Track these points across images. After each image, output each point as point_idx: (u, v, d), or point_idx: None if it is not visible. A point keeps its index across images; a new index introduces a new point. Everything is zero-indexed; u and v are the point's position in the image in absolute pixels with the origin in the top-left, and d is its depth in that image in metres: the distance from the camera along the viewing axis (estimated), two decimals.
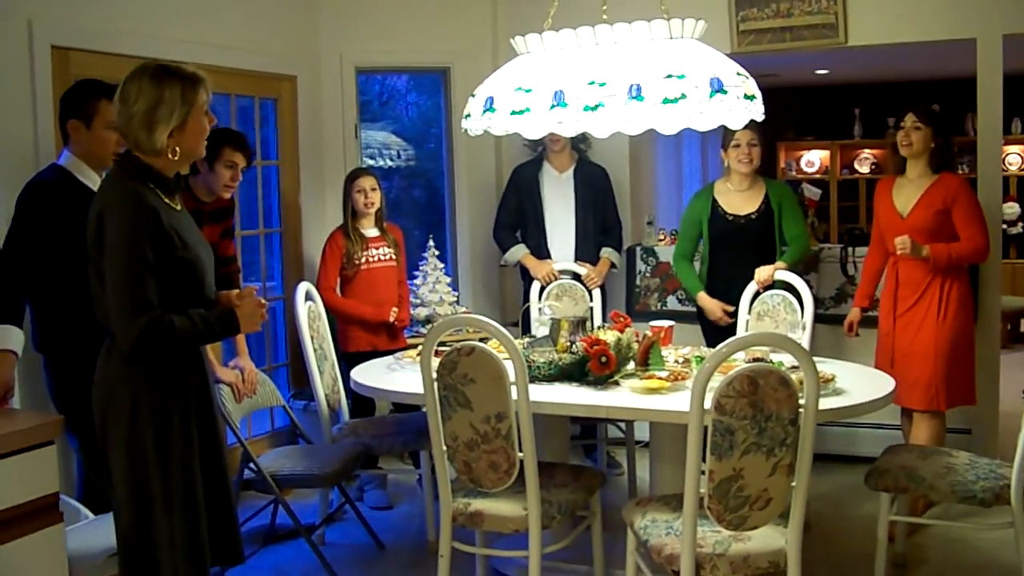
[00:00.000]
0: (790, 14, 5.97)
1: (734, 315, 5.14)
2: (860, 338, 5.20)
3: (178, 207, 3.05)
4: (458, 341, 3.79)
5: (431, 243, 6.10)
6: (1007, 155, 11.05)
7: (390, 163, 8.69)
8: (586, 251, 5.93)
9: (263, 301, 3.19)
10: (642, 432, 5.10)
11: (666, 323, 4.67)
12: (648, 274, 6.44)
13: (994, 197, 5.70)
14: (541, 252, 5.92)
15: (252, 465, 4.28)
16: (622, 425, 5.51)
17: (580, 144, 6.19)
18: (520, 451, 3.56)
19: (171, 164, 2.99)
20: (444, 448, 3.67)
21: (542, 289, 5.64)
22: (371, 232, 5.54)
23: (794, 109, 11.46)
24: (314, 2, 6.33)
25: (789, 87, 10.97)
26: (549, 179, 5.98)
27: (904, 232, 4.78)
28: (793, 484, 3.16)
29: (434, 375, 3.60)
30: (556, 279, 5.75)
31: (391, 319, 5.45)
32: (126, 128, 2.92)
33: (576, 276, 5.69)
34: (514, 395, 3.51)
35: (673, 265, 5.61)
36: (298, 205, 6.18)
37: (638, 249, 6.49)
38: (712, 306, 5.30)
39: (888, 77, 11.06)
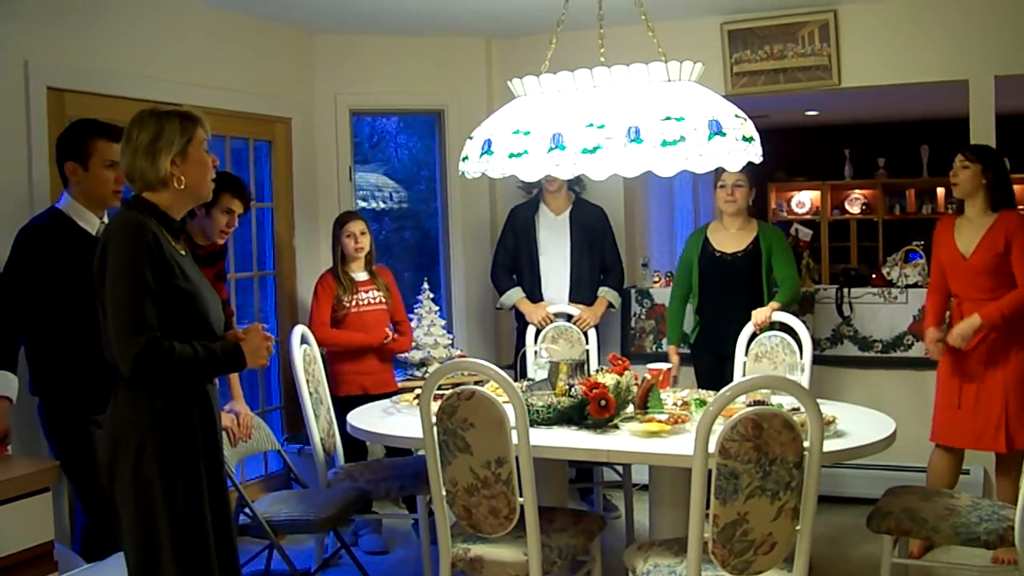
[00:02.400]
0: (783, 56, 6.00)
1: (728, 359, 5.11)
2: (856, 378, 5.17)
3: (182, 252, 3.05)
4: (454, 384, 3.77)
5: (426, 285, 6.07)
6: None
7: (382, 204, 8.70)
8: (581, 294, 5.91)
9: (269, 336, 3.17)
10: (639, 475, 5.08)
11: (664, 366, 4.66)
12: (643, 316, 6.43)
13: None
14: (535, 294, 5.91)
15: (247, 510, 4.23)
16: (619, 468, 5.47)
17: (575, 186, 6.18)
18: (520, 496, 3.52)
19: (177, 200, 3.02)
20: (444, 493, 3.63)
21: (538, 332, 5.62)
22: (360, 276, 5.54)
23: (785, 150, 11.48)
24: (308, 44, 6.35)
25: (780, 128, 11.03)
26: (546, 221, 5.98)
27: (967, 272, 4.77)
28: (798, 528, 3.13)
29: (433, 420, 3.57)
30: (551, 322, 5.73)
31: (386, 340, 5.47)
32: (131, 166, 2.97)
33: (571, 318, 5.66)
34: (514, 439, 3.48)
35: (669, 302, 5.64)
36: (292, 247, 6.17)
37: (633, 291, 6.48)
38: (674, 360, 5.41)
39: (879, 118, 11.13)
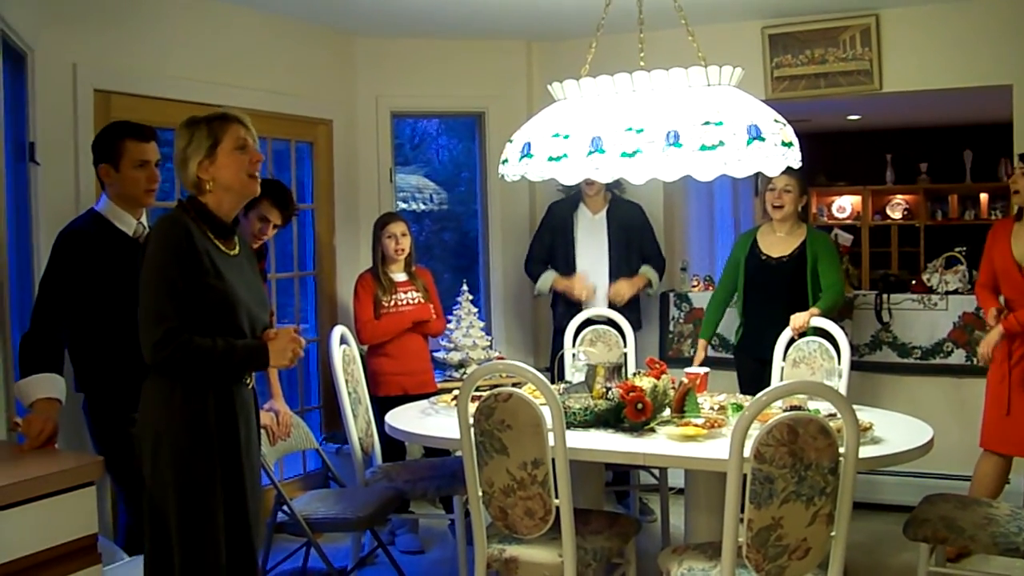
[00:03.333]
0: (824, 60, 5.99)
1: (767, 363, 5.10)
2: (895, 385, 5.14)
3: (233, 251, 3.14)
4: (492, 386, 3.80)
5: (464, 287, 6.11)
6: None
7: (422, 206, 8.75)
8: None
9: (300, 339, 3.23)
10: (676, 479, 5.08)
11: (701, 370, 4.67)
12: (681, 320, 6.43)
13: None
14: (571, 301, 5.93)
15: (285, 507, 4.27)
16: (655, 472, 5.47)
17: (614, 189, 6.20)
18: (556, 498, 3.54)
19: (222, 201, 3.10)
20: (480, 494, 3.66)
21: (576, 334, 5.62)
22: (399, 277, 5.58)
23: (826, 154, 11.44)
24: (350, 47, 6.41)
25: (821, 132, 10.97)
26: (584, 220, 6.00)
27: (1020, 282, 4.73)
28: (832, 533, 3.14)
29: (471, 420, 3.60)
30: (594, 292, 5.83)
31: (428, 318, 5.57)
32: (177, 175, 3.14)
33: (609, 321, 5.66)
34: (551, 441, 3.50)
35: (708, 302, 5.66)
36: (332, 248, 6.23)
37: (671, 295, 6.48)
38: (700, 355, 5.46)
39: (920, 123, 11.05)
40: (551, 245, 6.05)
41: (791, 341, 5.03)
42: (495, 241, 6.80)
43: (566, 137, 4.12)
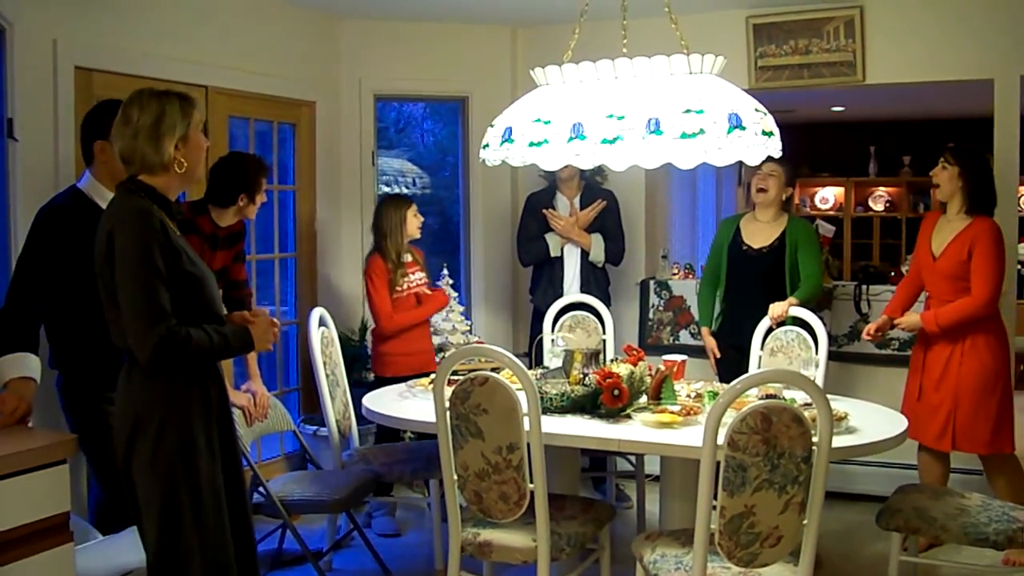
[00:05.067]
0: (808, 51, 5.99)
1: (745, 351, 5.12)
2: (873, 375, 5.17)
3: (178, 232, 3.06)
4: (470, 371, 3.80)
5: (445, 271, 6.11)
6: (1022, 196, 11.03)
7: (405, 190, 8.73)
8: (596, 276, 5.99)
9: (276, 321, 3.23)
10: (652, 466, 5.10)
11: (679, 357, 4.67)
12: (661, 307, 6.44)
13: (1010, 238, 5.69)
14: (554, 280, 5.95)
15: (261, 489, 4.28)
16: (632, 458, 5.49)
17: (596, 176, 6.22)
18: (531, 482, 3.55)
19: (174, 183, 3.05)
20: (455, 477, 3.66)
21: (555, 320, 5.63)
22: (407, 257, 5.59)
23: (810, 145, 11.47)
24: (334, 29, 6.39)
25: (805, 124, 10.99)
26: (562, 207, 6.01)
27: (934, 273, 4.81)
28: (805, 522, 3.15)
29: (447, 404, 3.60)
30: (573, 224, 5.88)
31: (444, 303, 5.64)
32: (131, 147, 2.96)
33: (586, 307, 5.66)
34: (526, 426, 3.51)
35: (699, 288, 5.66)
36: (314, 230, 6.21)
37: (651, 283, 6.49)
38: (710, 344, 5.43)
39: (904, 115, 11.08)
40: (536, 234, 6.05)
41: (769, 330, 5.05)
42: (476, 226, 6.80)
43: (547, 123, 4.11)
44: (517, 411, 3.49)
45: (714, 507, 3.18)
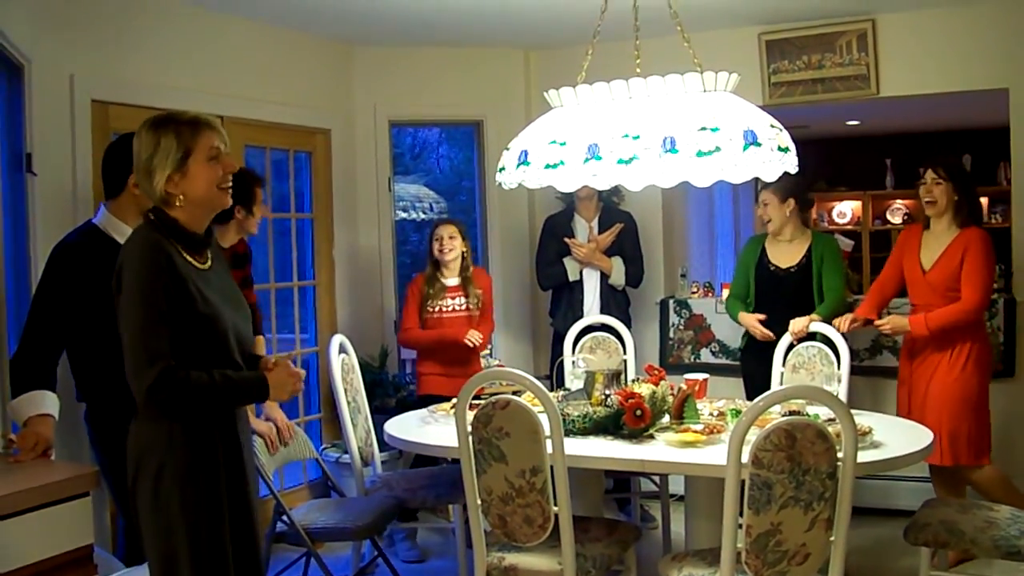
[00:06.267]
0: (821, 66, 5.99)
1: (773, 345, 5.10)
2: (896, 389, 5.13)
3: (205, 264, 2.95)
4: (492, 394, 3.79)
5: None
6: None
7: (422, 215, 8.76)
8: (616, 298, 5.99)
9: (299, 372, 3.07)
10: (676, 486, 5.07)
11: (700, 376, 4.66)
12: (681, 326, 6.42)
13: None
14: (573, 302, 5.95)
15: (285, 517, 4.27)
16: (656, 479, 5.46)
17: (613, 196, 6.22)
18: (555, 505, 3.53)
19: (193, 215, 2.90)
20: (479, 502, 3.65)
21: (576, 342, 5.62)
22: (451, 281, 5.67)
23: (825, 160, 11.44)
24: (348, 56, 6.42)
25: (820, 138, 10.97)
26: (580, 229, 6.03)
27: (924, 286, 4.83)
28: (832, 538, 3.12)
29: (469, 428, 3.59)
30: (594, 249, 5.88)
31: (469, 342, 5.56)
32: (140, 183, 2.91)
33: (606, 328, 5.65)
34: (549, 449, 3.49)
35: (726, 303, 5.65)
36: (332, 257, 6.22)
37: (671, 301, 6.47)
38: (750, 321, 5.36)
39: (920, 127, 11.03)
40: (556, 257, 6.05)
41: (791, 346, 5.02)
42: (494, 250, 6.80)
43: (563, 144, 4.12)
44: (539, 434, 3.48)
45: (740, 526, 3.16)
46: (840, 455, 3.06)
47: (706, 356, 6.31)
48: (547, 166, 4.14)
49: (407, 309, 5.62)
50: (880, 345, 5.84)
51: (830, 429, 3.10)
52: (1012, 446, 5.44)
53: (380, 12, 5.70)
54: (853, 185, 11.96)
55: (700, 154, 3.82)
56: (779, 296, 5.30)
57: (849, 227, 11.86)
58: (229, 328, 2.91)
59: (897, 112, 9.30)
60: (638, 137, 3.93)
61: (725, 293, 6.36)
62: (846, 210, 12.08)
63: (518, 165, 4.25)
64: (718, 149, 3.80)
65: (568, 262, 5.96)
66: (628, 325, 5.74)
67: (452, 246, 5.60)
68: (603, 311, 5.85)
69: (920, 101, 6.30)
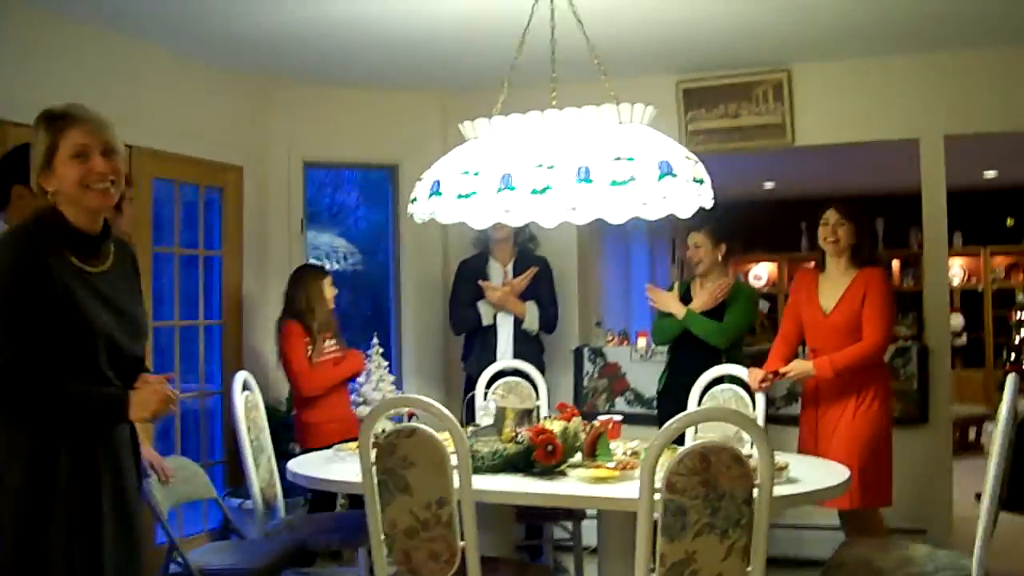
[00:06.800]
0: (738, 115, 6.03)
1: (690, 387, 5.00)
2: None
3: (97, 267, 2.76)
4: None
5: (376, 340, 5.98)
6: (949, 268, 11.21)
7: (336, 265, 8.62)
8: (528, 344, 5.90)
9: (170, 393, 2.83)
10: (590, 537, 4.93)
11: (616, 417, 4.55)
12: (596, 375, 6.34)
13: (941, 304, 5.76)
14: (487, 346, 5.86)
15: (180, 559, 4.05)
16: (569, 528, 5.32)
17: (528, 243, 6.16)
18: (462, 540, 3.39)
19: (77, 215, 2.71)
20: (382, 537, 3.48)
21: (488, 386, 5.49)
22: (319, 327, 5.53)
23: (742, 223, 11.51)
24: (264, 93, 6.32)
25: (738, 201, 11.07)
26: (495, 272, 5.97)
27: (826, 329, 4.76)
28: (749, 568, 3.01)
29: (372, 459, 3.44)
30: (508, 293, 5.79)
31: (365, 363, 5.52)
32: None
33: (519, 372, 5.54)
34: (456, 480, 3.35)
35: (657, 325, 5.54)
36: (240, 298, 6.06)
37: (585, 350, 6.40)
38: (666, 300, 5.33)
39: (833, 191, 11.15)
40: (470, 301, 5.96)
41: (706, 388, 4.94)
42: (407, 294, 6.72)
43: (476, 174, 4.04)
44: (446, 463, 3.34)
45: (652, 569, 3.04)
46: (757, 481, 2.97)
47: (621, 405, 6.24)
48: (459, 196, 4.05)
49: (298, 355, 5.37)
50: (795, 394, 5.81)
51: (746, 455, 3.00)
52: (925, 493, 5.43)
53: (297, 51, 5.66)
54: (769, 248, 12.10)
55: (615, 183, 3.76)
56: (696, 341, 5.24)
57: (765, 289, 11.97)
58: (100, 336, 2.69)
59: (813, 174, 9.45)
60: (552, 167, 3.87)
61: (641, 342, 6.34)
62: (762, 273, 12.21)
63: (430, 195, 4.16)
64: (633, 179, 3.75)
65: (482, 306, 5.87)
66: (542, 371, 5.64)
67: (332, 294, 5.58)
68: (516, 356, 5.74)
69: (835, 163, 6.40)
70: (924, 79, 5.72)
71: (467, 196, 4.04)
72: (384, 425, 3.64)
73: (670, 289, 5.54)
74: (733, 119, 6.04)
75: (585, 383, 6.37)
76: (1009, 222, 11.96)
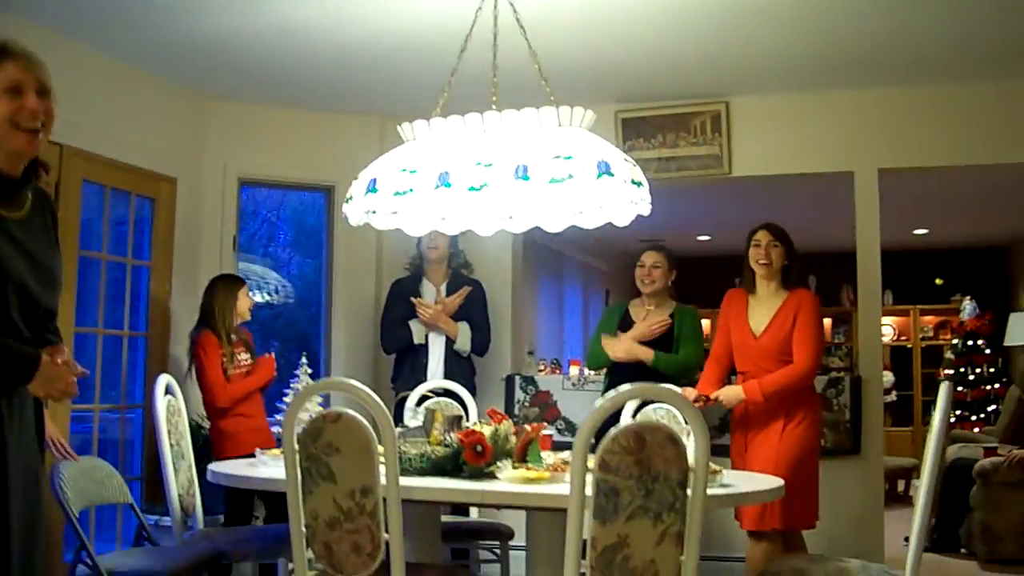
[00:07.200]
0: (676, 145, 6.05)
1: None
2: None
3: (13, 213, 2.63)
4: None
5: (304, 360, 5.84)
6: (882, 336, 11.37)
7: (266, 297, 8.49)
8: (460, 365, 5.83)
9: (73, 387, 2.69)
10: (518, 568, 4.81)
11: (546, 428, 4.47)
12: (527, 403, 6.27)
13: (874, 327, 5.80)
14: (417, 366, 5.76)
15: (87, 557, 3.86)
16: (496, 551, 5.20)
17: (463, 269, 6.10)
18: (386, 532, 3.26)
19: (2, 156, 2.60)
20: (303, 528, 3.35)
21: (418, 405, 5.38)
22: (234, 338, 5.43)
23: (677, 277, 11.57)
24: (202, 107, 6.25)
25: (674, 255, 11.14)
26: (428, 293, 5.91)
27: (755, 351, 4.74)
28: (683, 557, 2.93)
29: (295, 445, 3.32)
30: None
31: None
32: None
33: (449, 392, 5.44)
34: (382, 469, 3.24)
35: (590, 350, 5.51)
36: (168, 310, 5.91)
37: (517, 378, 6.33)
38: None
39: None
40: (401, 320, 5.88)
41: (640, 407, 4.88)
42: (338, 314, 6.63)
43: (413, 172, 4.01)
44: (372, 449, 3.23)
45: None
46: (691, 463, 2.90)
47: (551, 440, 6.14)
48: (396, 193, 4.02)
49: (213, 365, 5.23)
50: (727, 423, 5.77)
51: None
52: (858, 523, 5.40)
53: (237, 67, 5.65)
54: (703, 304, 12.10)
55: (553, 180, 3.73)
56: (640, 364, 5.19)
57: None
58: (11, 281, 2.56)
59: (748, 226, 9.50)
60: (490, 164, 3.84)
61: (573, 371, 6.29)
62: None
63: (366, 192, 4.10)
64: (571, 176, 3.73)
65: (414, 324, 5.79)
66: (473, 394, 5.56)
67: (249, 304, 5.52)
68: (447, 377, 5.64)
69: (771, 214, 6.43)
70: (860, 113, 5.82)
71: (403, 193, 4.01)
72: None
73: (605, 320, 5.52)
74: (671, 149, 6.07)
75: (516, 411, 6.29)
76: (938, 282, 12.16)
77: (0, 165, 2.61)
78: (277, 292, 8.83)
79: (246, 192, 6.84)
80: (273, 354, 5.48)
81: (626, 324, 5.36)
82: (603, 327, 5.46)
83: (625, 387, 3.00)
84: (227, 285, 5.43)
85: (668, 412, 4.81)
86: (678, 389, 4.70)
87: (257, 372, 5.40)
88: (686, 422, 3.15)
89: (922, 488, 3.48)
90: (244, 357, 5.41)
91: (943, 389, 3.66)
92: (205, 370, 5.23)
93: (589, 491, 2.90)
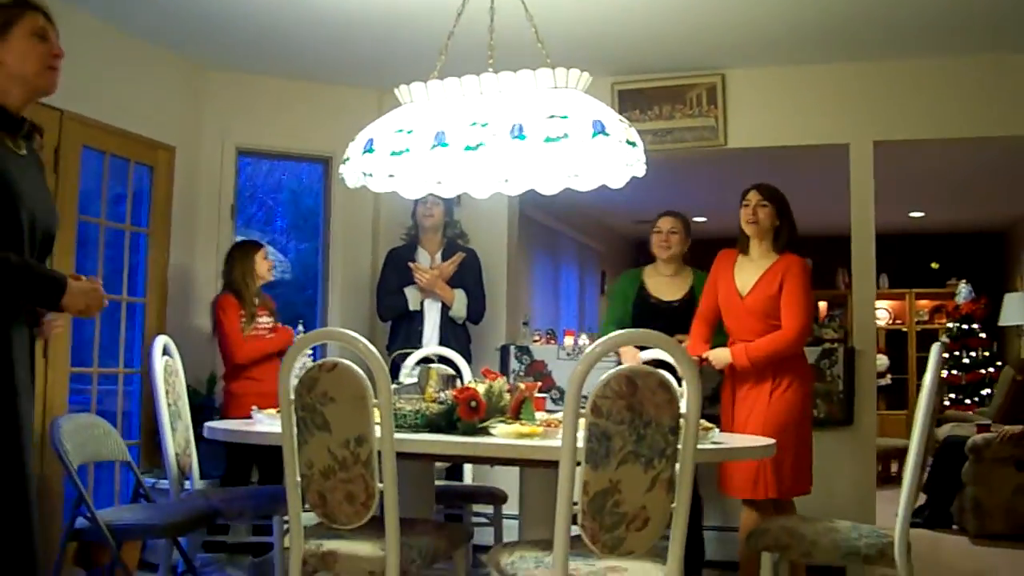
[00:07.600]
0: (672, 117, 6.08)
1: None
2: None
3: (21, 151, 2.78)
4: None
5: (301, 327, 5.87)
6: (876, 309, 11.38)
7: None
8: (455, 332, 5.87)
9: (104, 297, 2.87)
10: (511, 535, 4.84)
11: (540, 395, 4.49)
12: (522, 372, 6.29)
13: (868, 302, 5.82)
14: (412, 334, 5.80)
15: (86, 511, 3.90)
16: (490, 513, 5.22)
17: (459, 239, 6.12)
18: (380, 482, 3.30)
19: (8, 91, 2.74)
20: (298, 479, 3.38)
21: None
22: (256, 301, 5.59)
23: None
24: (200, 76, 6.28)
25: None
26: (423, 260, 5.94)
27: (741, 311, 4.69)
28: (673, 505, 2.96)
29: (291, 395, 3.35)
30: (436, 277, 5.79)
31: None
32: None
33: (444, 360, 5.46)
34: (377, 417, 3.28)
35: (602, 331, 5.46)
36: (165, 278, 5.94)
37: (512, 348, 6.36)
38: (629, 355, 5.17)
39: None
40: (396, 289, 5.91)
41: None
42: (335, 284, 6.68)
43: (409, 132, 4.04)
44: (367, 398, 3.26)
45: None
46: (683, 409, 2.93)
47: (547, 404, 6.17)
48: (393, 153, 4.05)
49: (232, 325, 5.44)
50: (718, 395, 5.79)
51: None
52: (850, 494, 5.44)
53: (236, 36, 5.67)
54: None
55: (548, 140, 3.76)
56: (655, 327, 5.17)
57: None
58: (24, 215, 2.67)
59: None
60: (486, 124, 3.87)
61: (568, 340, 6.32)
62: None
63: (363, 152, 4.14)
64: (566, 136, 3.76)
65: (409, 291, 5.82)
66: (468, 362, 5.59)
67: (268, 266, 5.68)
68: (443, 344, 5.68)
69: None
70: (855, 86, 5.84)
71: (400, 153, 4.03)
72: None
73: (620, 289, 5.54)
74: (667, 120, 6.09)
75: (511, 380, 6.31)
76: (934, 266, 12.20)
77: (15, 103, 2.74)
78: (275, 266, 8.86)
79: (243, 175, 6.87)
80: (293, 329, 5.51)
81: (643, 296, 5.37)
82: (620, 296, 5.49)
83: (616, 333, 3.03)
84: (243, 252, 5.60)
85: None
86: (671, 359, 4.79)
87: (277, 336, 5.54)
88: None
89: (914, 439, 3.53)
90: (265, 320, 5.56)
91: (935, 349, 3.69)
92: (223, 326, 5.41)
93: (581, 444, 2.94)
